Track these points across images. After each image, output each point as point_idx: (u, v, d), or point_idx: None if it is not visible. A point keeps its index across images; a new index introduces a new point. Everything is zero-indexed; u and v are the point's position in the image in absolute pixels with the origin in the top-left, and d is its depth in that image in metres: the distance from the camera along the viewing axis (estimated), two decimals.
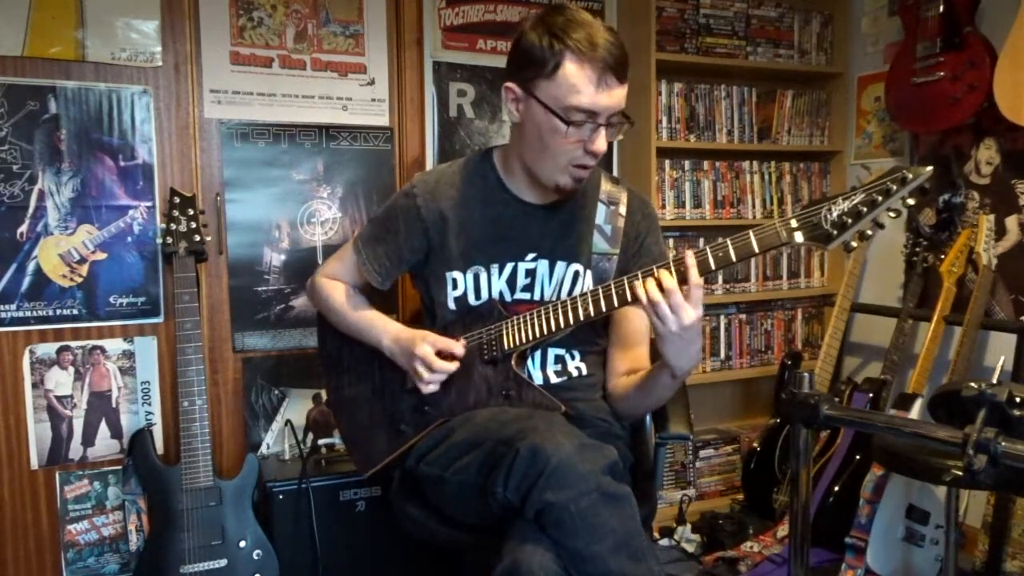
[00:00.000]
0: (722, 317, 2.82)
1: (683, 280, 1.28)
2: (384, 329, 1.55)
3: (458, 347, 1.45)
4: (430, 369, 1.43)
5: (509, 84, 1.40)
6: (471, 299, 1.51)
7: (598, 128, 1.35)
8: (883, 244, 2.77)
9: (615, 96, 1.35)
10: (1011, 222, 2.39)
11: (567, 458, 1.17)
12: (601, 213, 1.53)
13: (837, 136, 2.94)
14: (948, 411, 1.22)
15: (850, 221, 1.21)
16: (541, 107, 1.35)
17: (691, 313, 1.26)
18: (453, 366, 1.44)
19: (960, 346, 2.30)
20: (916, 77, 2.42)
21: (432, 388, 1.46)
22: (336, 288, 1.64)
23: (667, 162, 2.68)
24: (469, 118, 2.49)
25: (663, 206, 2.68)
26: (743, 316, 2.87)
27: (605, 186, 1.55)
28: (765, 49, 2.80)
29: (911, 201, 1.20)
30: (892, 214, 1.21)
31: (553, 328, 1.40)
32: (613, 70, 1.32)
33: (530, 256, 1.50)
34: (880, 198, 1.19)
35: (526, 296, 1.51)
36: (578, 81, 1.32)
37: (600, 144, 1.36)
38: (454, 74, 2.46)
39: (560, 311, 1.40)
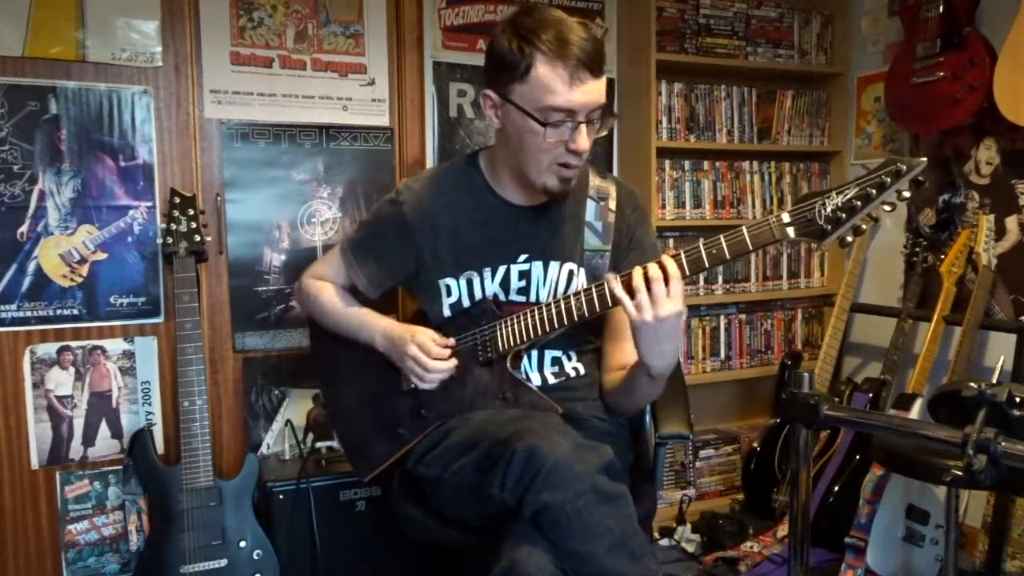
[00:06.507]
0: (722, 317, 2.82)
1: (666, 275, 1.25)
2: (375, 327, 1.54)
3: (445, 353, 1.45)
4: (426, 369, 1.43)
5: (487, 91, 1.39)
6: (465, 304, 1.50)
7: (578, 126, 1.33)
8: (883, 244, 2.77)
9: (591, 92, 1.32)
10: (1011, 222, 2.39)
11: (563, 458, 1.17)
12: (591, 210, 1.52)
13: (837, 136, 2.94)
14: (948, 411, 1.21)
15: (844, 216, 1.17)
16: (518, 111, 1.34)
17: (668, 306, 1.23)
18: (450, 364, 1.44)
19: (960, 346, 2.29)
20: (916, 77, 2.42)
21: (431, 386, 1.46)
22: (325, 288, 1.63)
23: (667, 162, 2.68)
24: (469, 118, 2.49)
25: (663, 206, 2.68)
26: (743, 316, 2.87)
27: (594, 181, 1.54)
28: (765, 49, 2.80)
29: (906, 194, 1.15)
30: (887, 207, 1.16)
31: (547, 328, 1.39)
32: (586, 66, 1.30)
33: (522, 258, 1.49)
34: (874, 192, 1.15)
35: (521, 299, 1.50)
36: (551, 81, 1.29)
37: (582, 142, 1.34)
38: (454, 74, 2.46)
39: (553, 311, 1.38)
